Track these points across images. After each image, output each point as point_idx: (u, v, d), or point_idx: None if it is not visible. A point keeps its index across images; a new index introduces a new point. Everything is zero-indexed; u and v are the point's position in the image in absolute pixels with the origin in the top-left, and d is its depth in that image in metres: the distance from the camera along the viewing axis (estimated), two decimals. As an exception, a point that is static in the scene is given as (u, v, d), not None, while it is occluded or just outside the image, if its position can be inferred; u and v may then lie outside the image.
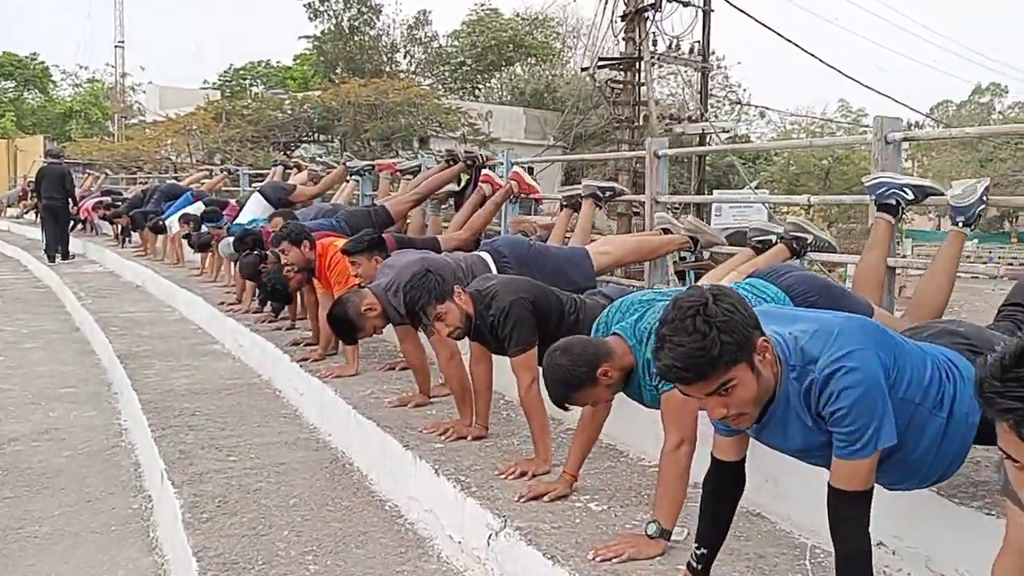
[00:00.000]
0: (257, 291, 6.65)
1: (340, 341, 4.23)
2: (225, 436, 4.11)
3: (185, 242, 9.12)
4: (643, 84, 15.81)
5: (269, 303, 6.34)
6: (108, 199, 13.53)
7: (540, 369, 3.01)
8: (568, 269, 3.74)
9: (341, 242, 4.59)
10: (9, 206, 22.53)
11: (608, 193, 4.71)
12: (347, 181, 7.84)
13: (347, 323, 3.73)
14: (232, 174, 11.72)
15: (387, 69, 31.87)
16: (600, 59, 15.88)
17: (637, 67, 15.84)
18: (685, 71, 16.96)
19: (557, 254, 3.92)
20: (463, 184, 6.08)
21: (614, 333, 2.50)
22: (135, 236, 12.08)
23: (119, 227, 11.94)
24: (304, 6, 29.84)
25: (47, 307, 9.42)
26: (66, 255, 12.38)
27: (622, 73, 15.98)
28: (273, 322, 6.19)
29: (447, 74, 38.38)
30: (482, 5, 39.79)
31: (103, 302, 8.55)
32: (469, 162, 5.95)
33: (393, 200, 5.93)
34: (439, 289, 3.00)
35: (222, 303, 7.05)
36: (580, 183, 4.87)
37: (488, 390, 3.34)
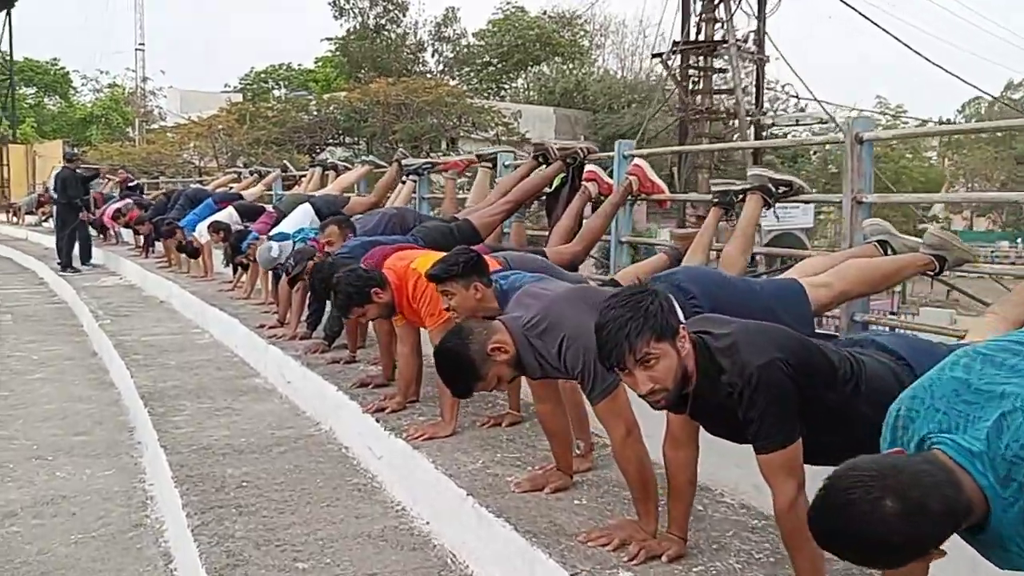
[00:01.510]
0: (306, 313, 5.60)
1: (445, 389, 3.00)
2: (286, 524, 3.03)
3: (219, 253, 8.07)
4: (724, 70, 14.54)
5: (323, 329, 5.27)
6: (129, 202, 12.52)
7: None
8: (778, 311, 2.57)
9: (422, 260, 3.48)
10: (28, 213, 21.72)
11: (782, 189, 3.60)
12: (402, 182, 6.76)
13: (465, 364, 2.51)
14: (263, 176, 10.66)
15: (415, 69, 30.91)
16: (676, 43, 14.57)
17: (715, 53, 14.53)
18: (741, 62, 15.70)
19: (762, 291, 2.76)
20: (556, 184, 4.98)
21: (938, 447, 1.37)
22: (159, 245, 11.09)
23: (142, 235, 10.93)
24: (329, 4, 28.93)
25: (61, 326, 8.42)
26: (67, 265, 11.41)
27: (702, 59, 14.70)
28: (327, 351, 5.12)
29: (472, 74, 37.42)
30: (508, 3, 38.87)
31: (123, 322, 7.53)
32: (569, 160, 4.84)
33: (479, 211, 4.82)
34: (661, 319, 1.90)
35: (261, 325, 5.99)
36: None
37: (693, 486, 2.24)
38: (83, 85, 47.73)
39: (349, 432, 3.93)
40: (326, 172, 8.66)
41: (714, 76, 14.96)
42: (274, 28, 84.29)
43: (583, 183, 4.63)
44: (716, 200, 3.84)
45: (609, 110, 35.75)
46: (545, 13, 40.02)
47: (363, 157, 8.26)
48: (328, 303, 5.51)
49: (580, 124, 35.22)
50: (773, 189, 3.56)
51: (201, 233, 8.83)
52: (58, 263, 11.59)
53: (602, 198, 4.63)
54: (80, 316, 8.67)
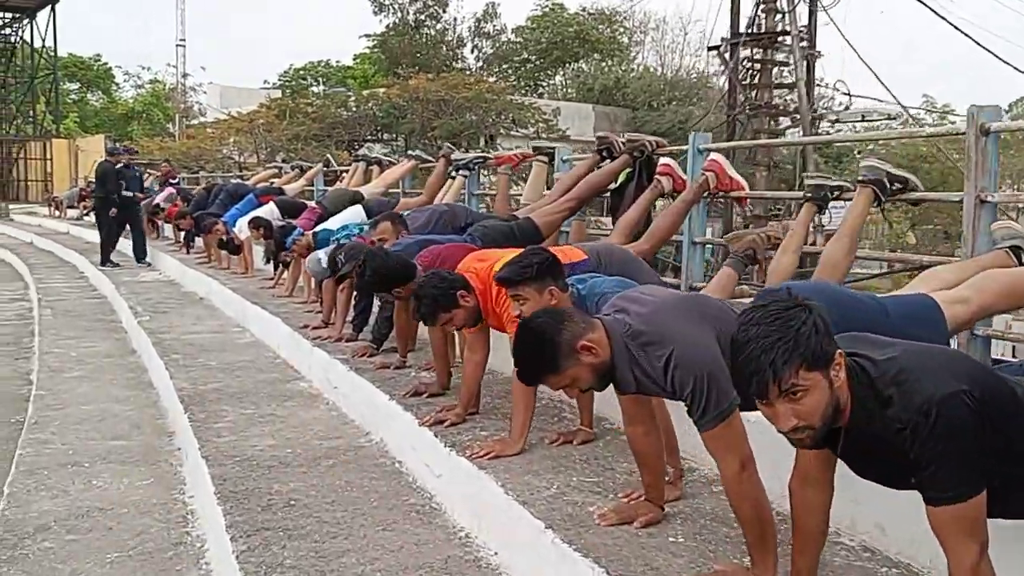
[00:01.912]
0: (353, 314, 5.33)
1: (521, 382, 2.55)
2: (340, 551, 2.74)
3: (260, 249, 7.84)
4: (785, 64, 13.96)
5: (371, 331, 4.99)
6: (172, 192, 12.40)
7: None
8: (912, 332, 2.17)
9: (505, 262, 3.16)
10: (70, 207, 21.87)
11: (897, 186, 3.23)
12: (451, 177, 6.47)
13: (548, 349, 2.14)
14: (304, 171, 10.44)
15: (455, 65, 30.70)
16: (735, 35, 13.99)
17: (775, 45, 13.93)
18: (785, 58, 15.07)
19: (894, 309, 2.40)
20: (622, 180, 4.64)
21: None
22: (199, 240, 10.95)
23: (182, 231, 10.77)
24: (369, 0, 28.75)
25: (100, 322, 8.26)
26: (105, 260, 11.35)
27: (762, 52, 14.10)
28: (375, 355, 4.84)
29: (510, 71, 37.15)
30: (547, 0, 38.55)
31: (162, 319, 7.34)
32: (636, 153, 4.50)
33: (540, 210, 4.49)
34: (815, 343, 1.56)
35: (305, 326, 5.72)
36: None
37: (824, 533, 1.91)
38: (125, 81, 48.32)
39: (403, 445, 3.64)
40: (370, 167, 8.41)
41: (773, 70, 14.33)
42: (308, 26, 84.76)
43: (656, 177, 4.28)
44: (809, 195, 3.48)
45: (649, 108, 35.33)
46: (584, 10, 39.69)
47: (409, 151, 7.97)
48: (375, 303, 5.25)
49: (619, 122, 34.82)
50: (888, 185, 3.19)
51: (241, 229, 8.63)
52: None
53: (675, 195, 4.29)
54: (119, 312, 8.52)
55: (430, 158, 7.54)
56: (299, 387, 5.00)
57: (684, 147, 4.39)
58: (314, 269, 5.86)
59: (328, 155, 10.17)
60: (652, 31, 43.28)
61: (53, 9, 31.21)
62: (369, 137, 25.33)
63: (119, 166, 11.47)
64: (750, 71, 13.96)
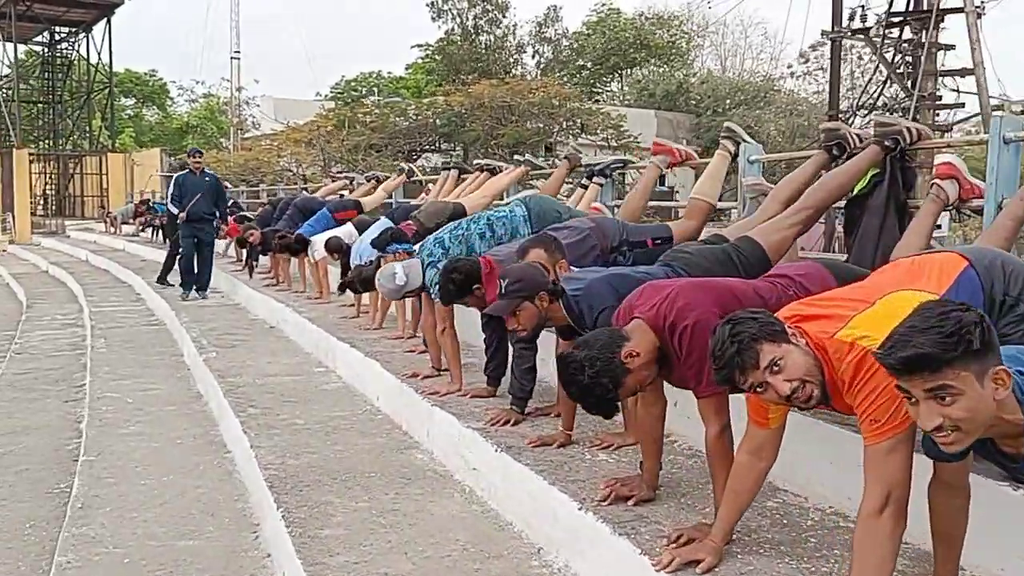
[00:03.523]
0: (489, 361, 4.12)
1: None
2: None
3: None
4: (952, 47, 12.27)
5: (510, 387, 3.77)
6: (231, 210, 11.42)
7: None
8: None
9: (865, 322, 1.87)
10: (124, 223, 21.22)
11: None
12: (583, 187, 5.26)
13: None
14: (380, 182, 9.34)
15: (514, 71, 29.68)
16: (891, 13, 12.30)
17: (940, 24, 12.28)
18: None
19: None
20: (863, 186, 3.38)
21: None
22: (263, 259, 9.91)
23: (247, 248, 9.69)
24: (427, 5, 27.89)
25: (160, 356, 7.21)
26: (161, 279, 10.54)
27: (918, 34, 12.41)
28: (520, 422, 3.64)
29: (565, 77, 36.07)
30: (603, 4, 37.44)
31: (230, 354, 6.27)
32: (889, 143, 3.23)
33: (761, 226, 3.23)
34: None
35: (415, 374, 4.56)
36: None
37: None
38: (179, 95, 48.24)
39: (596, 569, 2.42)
40: (463, 175, 7.25)
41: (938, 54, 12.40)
42: (358, 37, 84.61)
43: (936, 183, 3.01)
44: None
45: (714, 112, 33.94)
46: (642, 15, 38.46)
47: (516, 157, 6.79)
48: (509, 345, 4.03)
49: (683, 127, 33.49)
50: None
51: (316, 248, 7.56)
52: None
53: (960, 207, 3.02)
54: (181, 343, 7.49)
55: (540, 164, 6.36)
56: (418, 461, 3.81)
57: (973, 138, 3.12)
58: (386, 286, 4.58)
59: (412, 166, 9.01)
60: (711, 35, 41.92)
61: (109, 23, 30.81)
62: (427, 147, 24.39)
63: (178, 174, 10.15)
64: (904, 56, 12.24)
